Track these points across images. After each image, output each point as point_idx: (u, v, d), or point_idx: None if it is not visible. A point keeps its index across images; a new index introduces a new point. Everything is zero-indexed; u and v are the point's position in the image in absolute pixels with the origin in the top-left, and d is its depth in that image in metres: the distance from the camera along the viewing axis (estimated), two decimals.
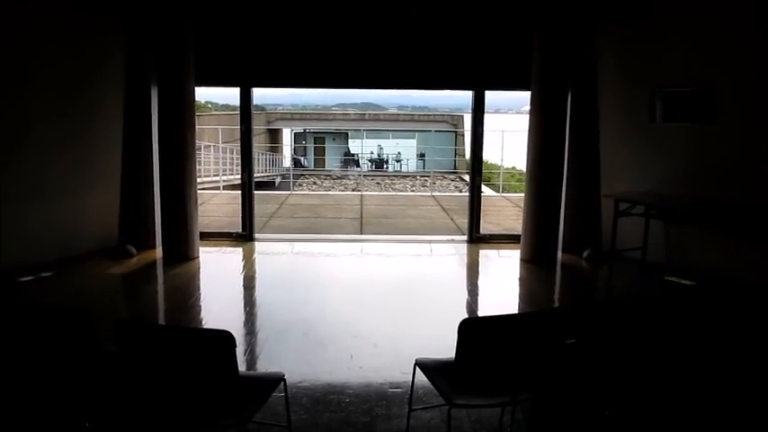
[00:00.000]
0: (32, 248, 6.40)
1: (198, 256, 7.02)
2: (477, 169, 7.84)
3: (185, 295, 5.88)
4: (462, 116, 42.22)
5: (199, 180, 16.42)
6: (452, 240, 8.05)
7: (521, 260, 7.10)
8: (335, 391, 3.87)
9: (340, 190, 31.60)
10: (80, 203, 6.89)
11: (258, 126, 36.33)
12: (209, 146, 21.46)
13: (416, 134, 40.66)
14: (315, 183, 35.26)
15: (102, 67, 6.88)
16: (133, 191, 7.22)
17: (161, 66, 6.70)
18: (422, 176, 36.68)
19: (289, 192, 12.86)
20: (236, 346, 2.63)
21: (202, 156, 18.40)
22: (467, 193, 14.99)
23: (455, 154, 35.89)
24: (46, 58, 6.31)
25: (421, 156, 39.71)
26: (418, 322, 5.21)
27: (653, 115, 6.62)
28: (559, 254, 7.19)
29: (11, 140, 6.18)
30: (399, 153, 40.81)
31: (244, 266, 6.95)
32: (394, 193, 13.53)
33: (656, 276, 6.53)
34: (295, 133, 42.09)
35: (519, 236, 7.60)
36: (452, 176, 33.00)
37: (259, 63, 7.44)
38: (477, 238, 7.88)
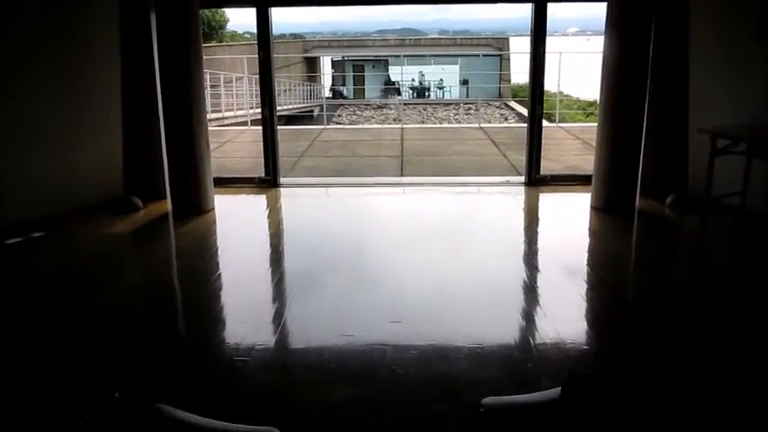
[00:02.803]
0: (22, 205, 5.51)
1: (213, 208, 6.04)
2: (537, 98, 6.60)
3: (196, 258, 4.91)
4: (508, 39, 40.46)
5: (228, 114, 15.54)
6: (507, 182, 6.92)
7: (591, 208, 5.95)
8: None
9: (380, 120, 30.63)
10: (76, 151, 5.91)
11: (295, 54, 35.23)
12: (242, 77, 20.44)
13: (459, 59, 39.13)
14: (354, 113, 34.26)
15: None
16: (137, 134, 6.21)
17: None
18: (466, 104, 35.40)
19: (322, 126, 11.75)
20: None
21: (234, 88, 17.39)
22: (518, 124, 13.71)
23: (500, 80, 34.48)
24: None
25: (464, 82, 38.34)
26: (466, 287, 4.28)
27: (764, 28, 5.30)
28: (637, 199, 6.00)
29: None
30: (441, 80, 39.54)
31: (266, 218, 5.98)
32: (438, 126, 12.36)
33: (760, 227, 5.36)
34: (333, 61, 40.93)
35: (586, 177, 6.48)
36: (498, 103, 31.63)
37: None
38: (536, 180, 6.73)
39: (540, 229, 5.67)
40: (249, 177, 6.93)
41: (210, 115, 14.73)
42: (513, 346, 3.42)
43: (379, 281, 4.43)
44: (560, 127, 10.81)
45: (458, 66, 40.37)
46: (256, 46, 6.57)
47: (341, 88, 39.87)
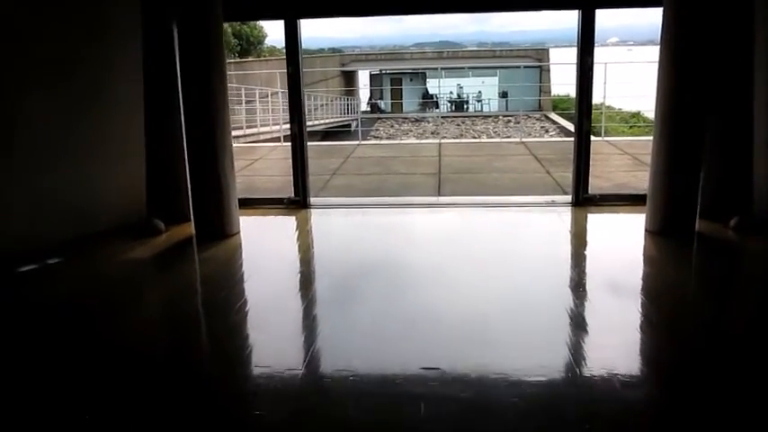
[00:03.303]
0: (41, 228, 5.25)
1: (238, 232, 5.70)
2: (584, 111, 6.14)
3: (220, 287, 4.59)
4: (548, 50, 39.88)
5: (263, 130, 15.28)
6: (553, 202, 6.45)
7: (646, 231, 5.45)
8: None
9: (418, 133, 30.31)
10: (97, 172, 5.63)
11: (332, 68, 35.13)
12: (277, 92, 20.29)
13: (498, 71, 38.62)
14: (392, 127, 33.96)
15: (114, 7, 5.54)
16: (160, 155, 5.90)
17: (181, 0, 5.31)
18: (505, 117, 34.86)
19: (357, 142, 11.39)
20: None
21: (270, 103, 17.17)
22: (561, 138, 13.19)
23: (540, 92, 33.89)
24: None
25: (503, 95, 37.81)
26: (509, 319, 3.88)
27: None
28: (697, 222, 5.48)
29: (14, 103, 5.03)
30: (480, 92, 39.08)
31: (295, 242, 5.63)
32: (477, 141, 11.87)
33: None
34: (371, 75, 40.76)
35: (639, 196, 6.03)
36: (538, 116, 31.00)
37: None
38: (584, 200, 6.25)
39: (589, 254, 5.22)
40: (278, 198, 6.59)
41: (246, 131, 14.56)
42: (564, 395, 2.98)
43: (415, 313, 4.01)
44: (606, 141, 10.26)
45: (497, 78, 39.89)
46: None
47: (378, 102, 39.66)
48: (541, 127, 30.04)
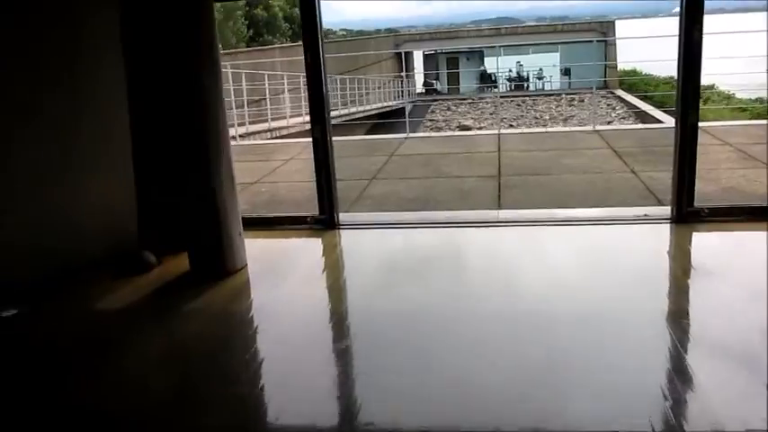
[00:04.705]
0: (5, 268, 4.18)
1: (244, 266, 4.51)
2: (690, 100, 4.69)
3: (214, 345, 3.44)
4: (613, 22, 37.72)
5: (295, 122, 14.10)
6: (645, 217, 5.03)
7: None
8: None
9: (476, 115, 28.75)
10: (75, 196, 4.56)
11: (384, 51, 33.89)
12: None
13: (559, 47, 36.89)
14: (449, 109, 32.50)
15: None
16: (151, 174, 4.77)
17: None
18: (568, 95, 33.02)
19: (404, 135, 10.05)
20: None
21: (304, 92, 16.02)
22: (643, 125, 11.55)
23: (605, 68, 32.06)
24: None
25: (565, 72, 36.09)
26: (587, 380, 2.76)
27: None
28: None
29: None
30: (541, 69, 37.46)
31: (318, 277, 4.39)
32: (542, 131, 10.40)
33: None
34: (425, 55, 39.52)
35: (762, 208, 4.62)
36: (603, 93, 29.07)
37: None
38: (688, 214, 4.82)
39: (697, 291, 3.85)
40: (300, 217, 5.36)
41: (272, 124, 13.45)
42: None
43: (469, 372, 2.95)
44: (703, 128, 8.65)
45: (558, 54, 38.16)
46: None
47: (434, 82, 38.33)
48: (608, 105, 28.18)
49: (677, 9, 4.74)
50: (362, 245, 5.01)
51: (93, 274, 4.51)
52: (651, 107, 20.36)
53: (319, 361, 3.26)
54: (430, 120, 28.40)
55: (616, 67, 32.80)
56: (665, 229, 4.82)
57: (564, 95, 33.28)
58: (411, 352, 3.22)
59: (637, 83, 31.40)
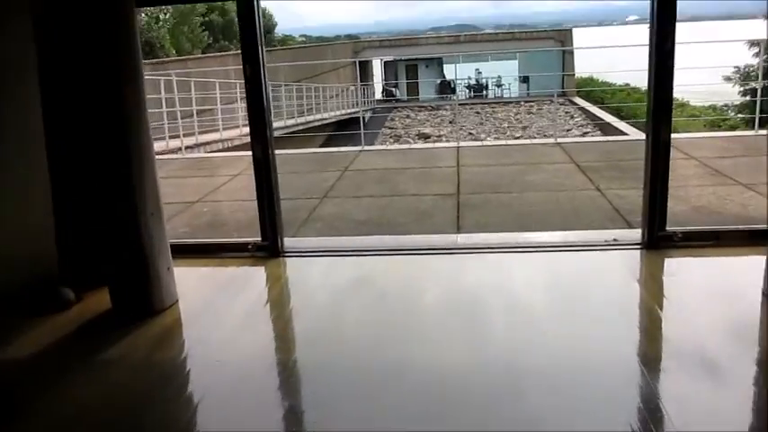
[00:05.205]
0: None
1: (175, 302, 4.01)
2: (661, 114, 4.34)
3: (140, 401, 2.96)
4: (570, 30, 38.03)
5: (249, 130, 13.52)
6: (615, 242, 4.66)
7: (765, 295, 3.67)
8: None
9: (436, 123, 28.46)
10: None
11: (343, 59, 33.49)
12: (280, 85, 18.61)
13: (518, 55, 37.07)
14: (408, 117, 32.20)
15: None
16: (68, 200, 4.23)
17: None
18: (527, 102, 33.04)
19: (359, 148, 9.57)
20: None
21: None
22: (605, 138, 11.29)
23: (563, 75, 32.26)
24: None
25: (524, 79, 36.22)
26: None
27: None
28: None
29: None
30: (499, 77, 37.53)
31: (260, 315, 3.91)
32: (503, 144, 10.05)
33: None
34: (385, 63, 39.31)
35: (741, 233, 4.35)
36: (561, 100, 29.06)
37: None
38: (660, 238, 4.47)
39: (672, 328, 3.48)
40: (241, 243, 4.87)
41: (223, 134, 12.92)
42: None
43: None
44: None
45: (516, 61, 38.37)
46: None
47: (393, 90, 38.08)
48: (566, 112, 28.19)
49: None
50: (309, 276, 4.54)
51: (2, 312, 3.98)
52: (609, 115, 20.38)
53: (260, 424, 2.79)
54: (389, 128, 28.04)
55: (574, 75, 32.98)
56: (635, 256, 4.46)
57: (523, 103, 33.35)
58: (363, 412, 2.78)
59: (593, 88, 31.67)
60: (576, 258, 4.48)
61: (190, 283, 4.28)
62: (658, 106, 4.31)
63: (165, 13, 26.83)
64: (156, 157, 4.07)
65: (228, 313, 3.95)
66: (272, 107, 4.73)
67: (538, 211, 5.81)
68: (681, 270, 4.28)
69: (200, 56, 23.34)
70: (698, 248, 4.43)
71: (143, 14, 24.64)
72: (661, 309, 3.71)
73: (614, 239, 4.70)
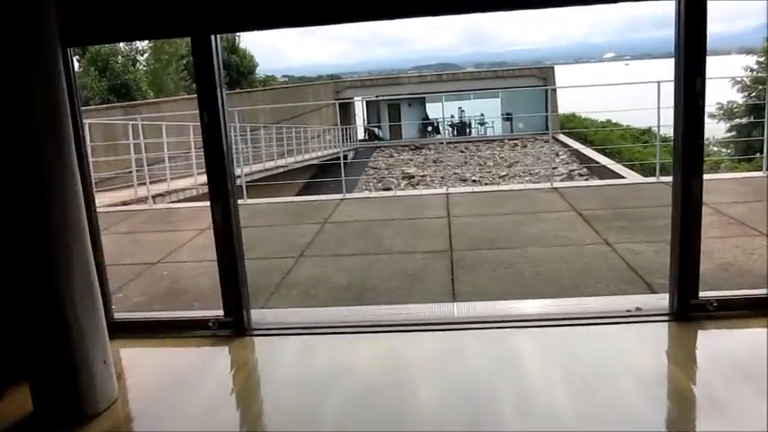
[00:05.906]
0: None
1: (114, 403, 3.26)
2: (692, 165, 3.70)
3: None
4: (552, 68, 37.94)
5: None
6: (638, 311, 3.98)
7: None
8: None
9: (419, 162, 27.94)
10: None
11: (325, 100, 33.09)
12: (258, 127, 18.04)
13: (500, 93, 36.88)
14: (391, 156, 31.72)
15: None
16: None
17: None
18: (511, 140, 32.74)
19: (340, 196, 8.89)
20: None
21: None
22: (604, 182, 10.66)
23: (547, 112, 32.06)
24: None
25: (507, 117, 35.98)
26: None
27: None
28: None
29: None
30: (482, 115, 37.37)
31: (225, 414, 3.16)
32: (496, 189, 9.41)
33: None
34: (367, 103, 39.07)
35: None
36: (545, 137, 28.70)
37: None
38: (692, 307, 3.80)
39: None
40: (200, 319, 4.13)
41: (198, 179, 12.23)
42: None
43: None
44: (665, 183, 7.76)
45: (499, 99, 38.17)
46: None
47: (376, 130, 37.80)
48: (552, 150, 27.79)
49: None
50: (280, 361, 3.79)
51: None
52: (596, 153, 19.98)
53: None
54: (372, 167, 27.50)
55: (557, 111, 32.79)
56: (663, 330, 3.79)
57: (507, 140, 33.05)
58: None
59: (576, 125, 31.57)
60: (596, 335, 3.78)
61: (137, 374, 3.57)
62: (688, 155, 3.67)
63: (142, 54, 26.30)
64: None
65: (180, 416, 3.20)
66: (234, 157, 4.07)
67: (543, 271, 5.11)
68: (721, 347, 3.59)
69: (174, 98, 22.73)
70: (737, 319, 3.76)
71: (119, 57, 24.10)
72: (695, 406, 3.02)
73: (637, 308, 4.01)
